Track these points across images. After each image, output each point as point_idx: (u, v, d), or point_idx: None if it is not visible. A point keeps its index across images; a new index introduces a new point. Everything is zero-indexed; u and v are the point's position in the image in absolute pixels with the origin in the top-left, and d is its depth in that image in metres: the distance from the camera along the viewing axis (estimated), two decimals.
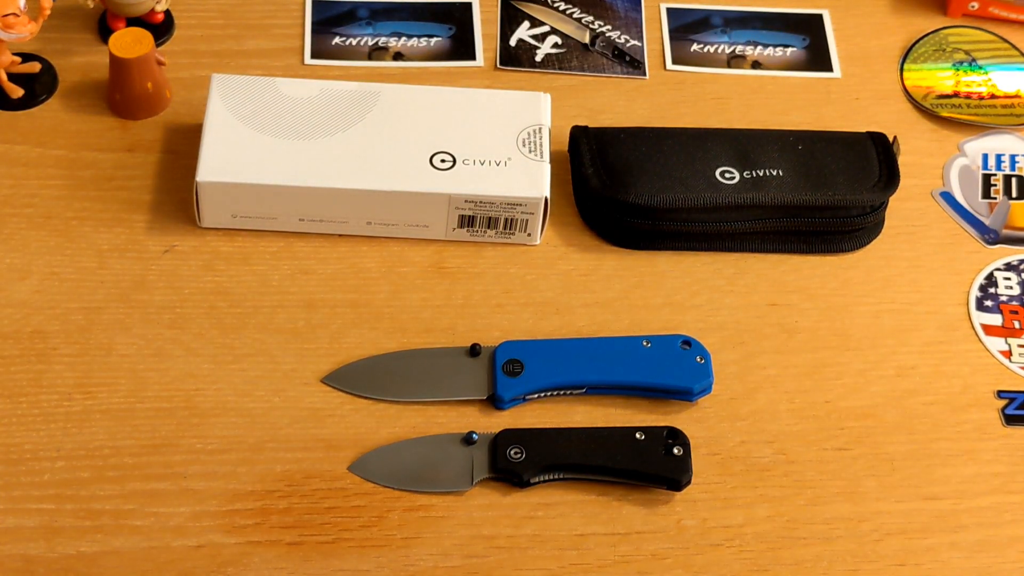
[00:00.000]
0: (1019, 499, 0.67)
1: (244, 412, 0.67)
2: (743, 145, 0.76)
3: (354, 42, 0.83)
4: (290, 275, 0.72)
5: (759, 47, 0.86)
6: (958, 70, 0.86)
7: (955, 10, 0.89)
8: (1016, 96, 0.85)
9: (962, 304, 0.75)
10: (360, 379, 0.68)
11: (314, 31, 0.84)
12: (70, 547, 0.62)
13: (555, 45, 0.85)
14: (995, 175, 0.81)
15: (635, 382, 0.69)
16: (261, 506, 0.64)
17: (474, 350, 0.69)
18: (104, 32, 0.81)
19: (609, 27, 0.86)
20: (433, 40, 0.84)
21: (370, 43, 0.84)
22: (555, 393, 0.68)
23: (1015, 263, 0.77)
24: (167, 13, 0.83)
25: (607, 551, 0.64)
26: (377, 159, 0.72)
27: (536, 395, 0.68)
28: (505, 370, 0.68)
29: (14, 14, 0.73)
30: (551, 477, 0.65)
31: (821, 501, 0.66)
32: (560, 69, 0.84)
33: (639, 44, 0.85)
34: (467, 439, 0.66)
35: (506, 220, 0.73)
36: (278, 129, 0.73)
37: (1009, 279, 0.76)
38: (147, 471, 0.64)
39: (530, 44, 0.85)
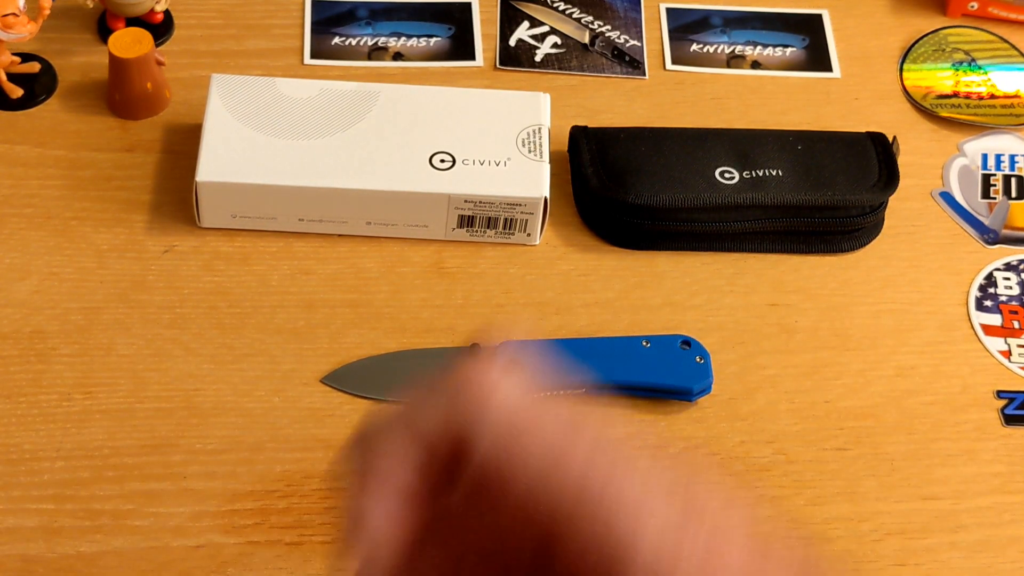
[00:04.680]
0: (1019, 499, 0.67)
1: (244, 412, 0.67)
2: (743, 145, 0.76)
3: (354, 42, 0.83)
4: (290, 275, 0.72)
5: (759, 47, 0.86)
6: (958, 70, 0.86)
7: (955, 10, 0.89)
8: (1016, 96, 0.85)
9: (962, 304, 0.75)
10: (360, 379, 0.68)
11: (314, 31, 0.84)
12: (70, 547, 0.62)
13: (555, 45, 0.85)
14: (995, 175, 0.81)
15: (635, 382, 0.69)
16: (261, 506, 0.64)
17: (474, 350, 0.69)
18: (104, 32, 0.81)
19: (609, 27, 0.86)
20: (433, 40, 0.84)
21: (370, 43, 0.84)
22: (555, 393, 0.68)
23: (1015, 263, 0.77)
24: (167, 13, 0.83)
25: None
26: (377, 159, 0.72)
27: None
28: None
29: (13, 14, 0.73)
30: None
31: (821, 501, 0.66)
32: (560, 69, 0.84)
33: (639, 44, 0.85)
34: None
35: (506, 220, 0.73)
36: (278, 129, 0.73)
37: (1009, 279, 0.76)
38: (147, 471, 0.64)
39: (530, 44, 0.85)
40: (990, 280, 0.76)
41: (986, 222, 0.79)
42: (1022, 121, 0.84)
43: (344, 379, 0.68)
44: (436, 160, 0.73)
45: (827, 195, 0.74)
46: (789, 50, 0.86)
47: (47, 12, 0.75)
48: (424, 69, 0.83)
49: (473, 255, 0.74)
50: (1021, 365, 0.72)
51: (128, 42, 0.76)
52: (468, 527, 0.40)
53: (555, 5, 0.87)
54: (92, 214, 0.74)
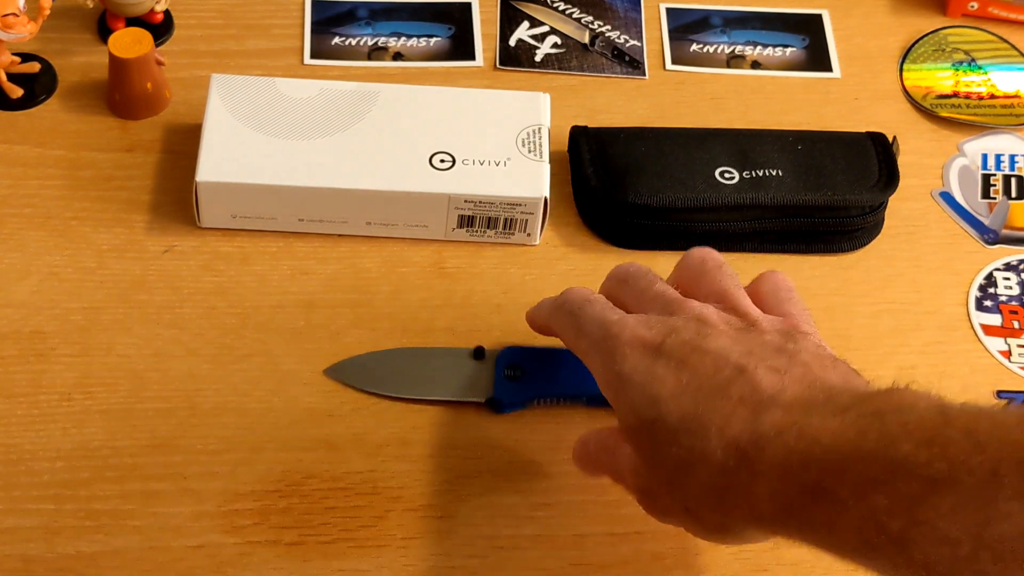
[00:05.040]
0: None
1: (244, 412, 0.67)
2: (743, 145, 0.76)
3: (354, 42, 0.83)
4: (290, 275, 0.72)
5: (758, 47, 0.86)
6: (957, 70, 0.86)
7: (954, 10, 0.89)
8: (1016, 96, 0.85)
9: (962, 304, 0.75)
10: (361, 373, 0.68)
11: (314, 31, 0.84)
12: (70, 547, 0.62)
13: (555, 45, 0.85)
14: (995, 175, 0.81)
15: None
16: (261, 506, 0.64)
17: (478, 353, 0.69)
18: (104, 32, 0.81)
19: (609, 27, 0.86)
20: (433, 40, 0.84)
21: (370, 43, 0.84)
22: (555, 401, 0.68)
23: (1015, 263, 0.77)
24: (167, 13, 0.83)
25: (607, 551, 0.64)
26: (377, 159, 0.72)
27: (535, 402, 0.68)
28: (506, 375, 0.68)
29: (13, 14, 0.73)
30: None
31: None
32: (560, 69, 0.84)
33: (639, 44, 0.85)
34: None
35: (506, 220, 0.73)
36: (278, 129, 0.73)
37: (1008, 279, 0.76)
38: (147, 471, 0.64)
39: (530, 44, 0.85)
40: (990, 280, 0.76)
41: (986, 222, 0.79)
42: (1022, 121, 0.84)
43: (346, 372, 0.68)
44: (436, 160, 0.73)
45: (827, 195, 0.75)
46: (789, 50, 0.86)
47: (47, 12, 0.75)
48: (424, 69, 0.83)
49: (473, 255, 0.74)
50: (1021, 365, 0.72)
51: (128, 42, 0.76)
52: None
53: (555, 5, 0.87)
54: (92, 214, 0.74)
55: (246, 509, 0.63)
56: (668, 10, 0.87)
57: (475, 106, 0.75)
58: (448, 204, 0.72)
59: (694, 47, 0.86)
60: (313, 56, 0.83)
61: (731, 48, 0.86)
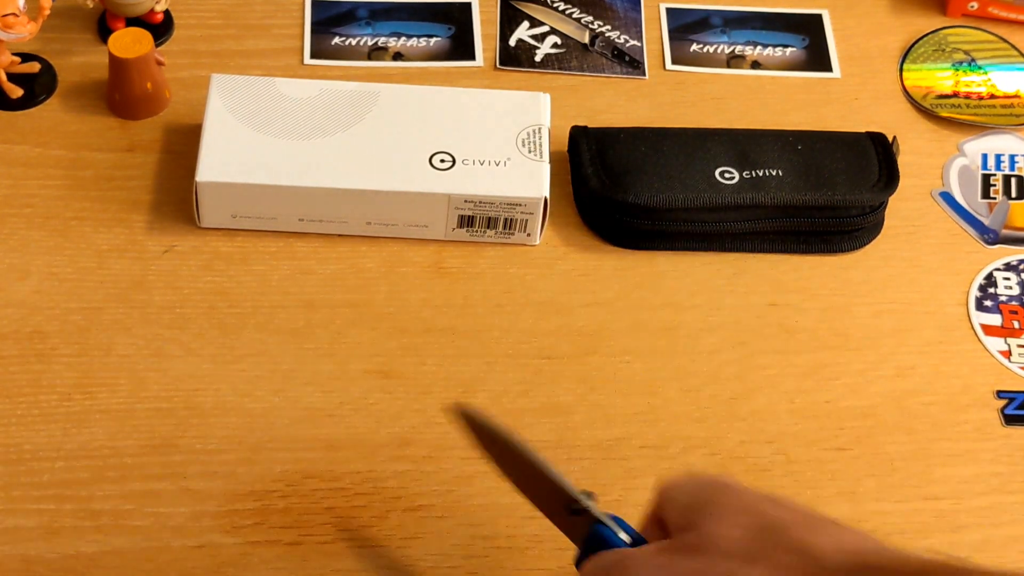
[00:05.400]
0: (1018, 499, 0.67)
1: (244, 412, 0.67)
2: (743, 145, 0.76)
3: (354, 42, 0.83)
4: (290, 275, 0.72)
5: (759, 47, 0.86)
6: (957, 70, 0.86)
7: (954, 10, 0.89)
8: (1015, 96, 0.85)
9: (961, 304, 0.75)
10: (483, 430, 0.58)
11: (314, 31, 0.84)
12: (70, 547, 0.62)
13: (555, 45, 0.85)
14: (994, 175, 0.81)
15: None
16: (260, 506, 0.64)
17: (575, 508, 0.56)
18: (104, 32, 0.81)
19: (609, 27, 0.86)
20: (433, 40, 0.84)
21: (369, 43, 0.84)
22: None
23: (1014, 263, 0.77)
24: (166, 13, 0.83)
25: None
26: (377, 159, 0.72)
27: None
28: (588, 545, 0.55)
29: (13, 14, 0.73)
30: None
31: (821, 501, 0.66)
32: (560, 69, 0.84)
33: (639, 44, 0.85)
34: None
35: (505, 220, 0.73)
36: (278, 129, 0.73)
37: (1008, 279, 0.76)
38: (147, 471, 0.64)
39: (530, 44, 0.85)
40: (990, 280, 0.76)
41: (986, 222, 0.79)
42: (1022, 121, 0.84)
43: (472, 419, 0.57)
44: (436, 160, 0.73)
45: (827, 195, 0.75)
46: (789, 50, 0.86)
47: (47, 12, 0.75)
48: (424, 69, 0.83)
49: (473, 255, 0.74)
50: (1021, 365, 0.72)
51: (128, 42, 0.76)
52: None
53: (555, 5, 0.87)
54: (92, 214, 0.74)
55: (246, 509, 0.63)
56: (668, 10, 0.87)
57: (475, 106, 0.75)
58: (448, 204, 0.72)
59: (694, 47, 0.86)
60: (313, 56, 0.83)
61: (731, 48, 0.86)
